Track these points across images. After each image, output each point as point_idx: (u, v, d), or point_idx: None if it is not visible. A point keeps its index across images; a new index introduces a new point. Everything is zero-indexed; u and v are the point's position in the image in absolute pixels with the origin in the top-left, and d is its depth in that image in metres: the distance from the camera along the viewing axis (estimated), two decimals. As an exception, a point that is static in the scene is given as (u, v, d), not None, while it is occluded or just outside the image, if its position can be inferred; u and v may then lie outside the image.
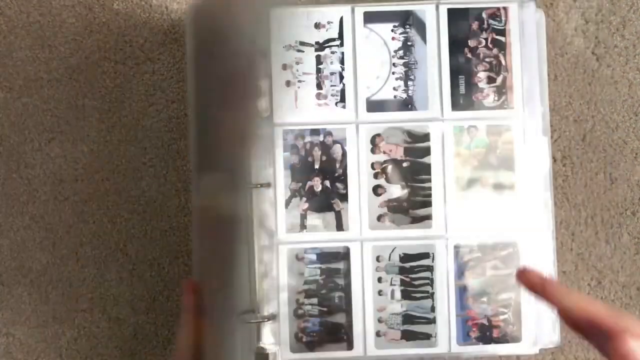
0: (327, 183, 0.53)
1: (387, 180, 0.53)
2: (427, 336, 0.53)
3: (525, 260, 0.53)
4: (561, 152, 0.57)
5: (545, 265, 0.54)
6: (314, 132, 0.53)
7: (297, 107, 0.53)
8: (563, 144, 0.57)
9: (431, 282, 0.53)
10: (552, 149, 0.56)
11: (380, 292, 0.53)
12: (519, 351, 0.53)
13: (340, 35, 0.53)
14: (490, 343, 0.53)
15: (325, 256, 0.53)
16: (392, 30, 0.53)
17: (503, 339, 0.53)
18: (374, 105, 0.53)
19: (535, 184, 0.53)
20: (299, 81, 0.53)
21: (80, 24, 0.55)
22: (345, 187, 0.53)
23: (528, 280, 0.43)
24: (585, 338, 0.40)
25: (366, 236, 0.53)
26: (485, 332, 0.53)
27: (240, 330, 0.53)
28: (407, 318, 0.53)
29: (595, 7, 0.57)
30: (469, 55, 0.53)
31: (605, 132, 0.57)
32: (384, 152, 0.53)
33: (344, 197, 0.53)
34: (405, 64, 0.53)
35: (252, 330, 0.53)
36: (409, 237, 0.53)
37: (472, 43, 0.53)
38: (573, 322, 0.39)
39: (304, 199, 0.53)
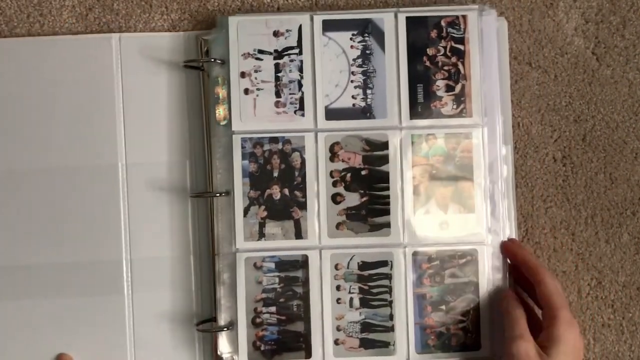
0: (286, 191, 0.53)
1: (346, 188, 0.53)
2: (385, 344, 0.53)
3: (484, 269, 0.53)
4: (561, 152, 0.56)
5: (504, 274, 0.54)
6: (273, 140, 0.53)
7: (256, 115, 0.53)
8: (563, 144, 0.56)
9: (390, 290, 0.53)
10: (552, 148, 0.56)
11: (338, 300, 0.53)
12: (478, 359, 0.53)
13: (299, 43, 0.53)
14: (448, 351, 0.53)
15: (283, 264, 0.53)
16: (351, 39, 0.53)
17: (462, 347, 0.53)
18: (333, 114, 0.53)
19: (495, 193, 0.53)
20: (258, 89, 0.53)
21: (81, 24, 0.55)
22: (304, 195, 0.53)
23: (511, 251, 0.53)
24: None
25: (325, 244, 0.53)
26: (444, 340, 0.53)
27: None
28: (366, 326, 0.53)
29: (595, 7, 0.56)
30: (428, 63, 0.53)
31: (605, 132, 0.57)
32: (343, 160, 0.53)
33: (302, 205, 0.53)
34: (364, 72, 0.53)
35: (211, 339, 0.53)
36: (367, 245, 0.53)
37: (430, 51, 0.53)
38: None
39: (263, 207, 0.53)
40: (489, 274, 0.53)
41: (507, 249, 0.53)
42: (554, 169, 0.57)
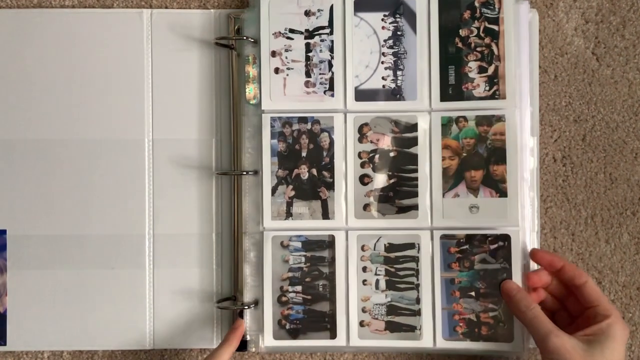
0: (314, 171, 0.53)
1: (374, 169, 0.53)
2: (411, 328, 0.52)
3: (517, 256, 0.52)
4: (561, 152, 0.56)
5: (531, 262, 0.53)
6: (302, 119, 0.53)
7: (286, 95, 0.53)
8: (563, 144, 0.56)
9: (416, 273, 0.52)
10: (552, 148, 0.56)
11: (364, 282, 0.53)
12: (510, 352, 0.52)
13: (331, 23, 0.53)
14: (478, 340, 0.52)
15: (310, 244, 0.53)
16: (383, 20, 0.53)
17: (492, 337, 0.52)
18: (363, 95, 0.53)
19: (524, 180, 0.52)
20: (288, 68, 0.53)
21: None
22: (332, 176, 0.53)
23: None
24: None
25: (352, 225, 0.53)
26: (473, 328, 0.52)
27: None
28: (392, 309, 0.52)
29: (595, 7, 0.56)
30: (460, 45, 0.52)
31: (605, 132, 0.56)
32: (371, 142, 0.53)
33: (330, 186, 0.53)
34: (394, 54, 0.53)
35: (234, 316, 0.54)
36: (394, 227, 0.52)
37: (463, 32, 0.52)
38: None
39: (290, 186, 0.53)
40: (522, 261, 0.52)
41: (542, 257, 0.51)
42: (554, 169, 0.56)
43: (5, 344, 0.55)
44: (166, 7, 0.56)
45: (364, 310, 0.52)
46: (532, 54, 0.53)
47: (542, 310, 0.50)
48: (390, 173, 0.52)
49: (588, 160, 0.56)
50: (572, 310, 0.51)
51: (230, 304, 0.53)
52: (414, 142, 0.52)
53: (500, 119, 0.52)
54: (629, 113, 0.56)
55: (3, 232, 0.55)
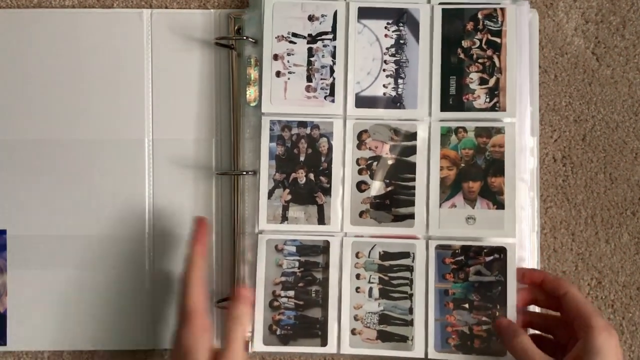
0: (312, 176, 0.53)
1: (371, 176, 0.52)
2: (403, 338, 0.52)
3: (512, 269, 0.51)
4: (561, 152, 0.56)
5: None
6: (301, 124, 0.53)
7: (286, 98, 0.53)
8: (563, 144, 0.56)
9: (410, 282, 0.52)
10: (552, 148, 0.56)
11: (357, 289, 0.52)
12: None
13: (334, 29, 0.53)
14: (470, 353, 0.51)
15: (304, 249, 0.52)
16: (386, 27, 0.53)
17: (485, 351, 0.51)
18: (363, 101, 0.53)
19: (523, 187, 0.52)
20: (289, 72, 0.53)
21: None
22: (329, 181, 0.52)
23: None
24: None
25: (347, 231, 0.52)
26: (466, 341, 0.51)
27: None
28: (384, 318, 0.52)
29: (595, 7, 0.56)
30: (462, 55, 0.52)
31: (605, 132, 0.56)
32: (370, 149, 0.53)
33: (327, 191, 0.52)
34: (396, 62, 0.53)
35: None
36: (390, 235, 0.52)
37: (465, 43, 0.53)
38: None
39: (287, 190, 0.52)
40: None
41: (523, 274, 0.51)
42: (554, 169, 0.56)
43: (5, 344, 0.54)
44: (166, 7, 0.56)
45: (356, 318, 0.52)
46: (532, 54, 0.53)
47: (539, 332, 0.49)
48: (387, 181, 0.52)
49: (588, 160, 0.56)
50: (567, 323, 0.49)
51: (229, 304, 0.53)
52: (412, 150, 0.52)
53: (499, 131, 0.52)
54: (629, 113, 0.56)
55: (3, 232, 0.54)
